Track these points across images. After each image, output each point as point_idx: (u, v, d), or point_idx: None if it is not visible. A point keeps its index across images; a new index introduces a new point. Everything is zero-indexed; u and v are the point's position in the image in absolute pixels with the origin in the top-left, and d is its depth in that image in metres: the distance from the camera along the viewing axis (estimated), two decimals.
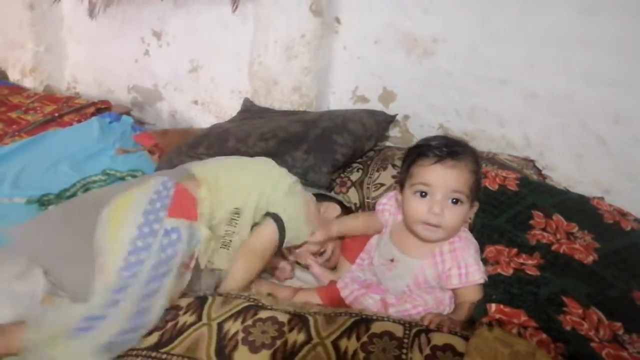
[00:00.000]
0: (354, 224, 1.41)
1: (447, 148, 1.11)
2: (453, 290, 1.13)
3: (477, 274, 1.09)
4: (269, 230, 1.28)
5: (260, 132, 1.76)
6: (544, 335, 0.87)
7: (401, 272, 1.16)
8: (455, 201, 1.10)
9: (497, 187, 1.42)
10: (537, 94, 1.87)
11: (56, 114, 2.64)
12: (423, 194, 1.12)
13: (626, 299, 1.06)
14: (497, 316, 0.92)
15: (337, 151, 1.64)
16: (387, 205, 1.31)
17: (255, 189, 1.30)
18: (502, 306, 0.95)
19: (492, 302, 0.98)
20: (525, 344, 0.85)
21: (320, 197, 1.49)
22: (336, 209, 1.47)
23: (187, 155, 1.86)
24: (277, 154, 1.66)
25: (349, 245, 1.44)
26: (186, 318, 1.01)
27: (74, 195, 1.76)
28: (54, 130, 2.35)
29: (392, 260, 1.19)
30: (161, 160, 2.00)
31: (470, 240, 1.18)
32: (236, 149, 1.75)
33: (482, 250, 1.21)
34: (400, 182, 1.21)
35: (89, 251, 1.09)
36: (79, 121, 2.57)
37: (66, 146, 2.14)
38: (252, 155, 1.71)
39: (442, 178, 1.09)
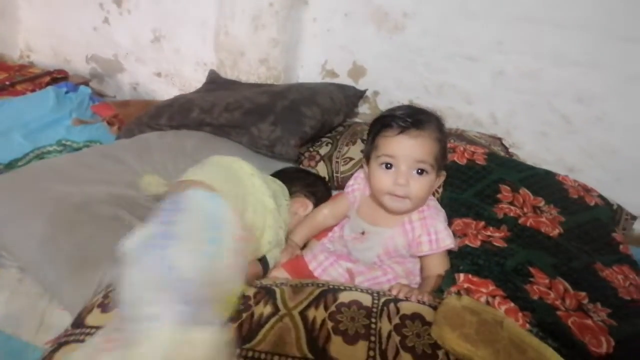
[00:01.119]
0: (313, 226, 1.33)
1: (411, 118, 1.08)
2: (422, 260, 1.12)
3: (447, 239, 1.09)
4: (255, 271, 1.13)
5: (225, 102, 1.70)
6: (512, 304, 0.87)
7: (372, 242, 1.15)
8: (421, 172, 1.08)
9: (465, 161, 1.42)
10: (505, 71, 1.88)
11: (7, 83, 2.49)
12: (388, 166, 1.10)
13: (589, 270, 1.08)
14: (466, 285, 0.91)
15: (305, 124, 1.60)
16: (355, 185, 1.28)
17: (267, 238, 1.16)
18: (470, 276, 0.94)
19: (460, 272, 0.97)
20: (493, 313, 0.84)
21: (288, 177, 1.42)
22: (307, 207, 1.37)
23: (147, 126, 1.79)
24: (243, 125, 1.61)
25: None
26: None
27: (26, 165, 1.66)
28: (5, 99, 2.21)
29: (362, 233, 1.17)
30: (122, 132, 1.92)
31: (439, 209, 1.18)
32: (200, 119, 1.68)
33: (450, 223, 1.20)
34: (366, 154, 1.19)
35: (40, 216, 1.03)
36: (32, 90, 2.43)
37: (19, 115, 2.01)
38: (216, 127, 1.66)
39: (406, 149, 1.07)
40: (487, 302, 0.87)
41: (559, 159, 1.87)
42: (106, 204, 1.14)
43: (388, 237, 1.13)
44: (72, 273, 1.01)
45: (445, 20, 1.92)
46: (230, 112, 1.66)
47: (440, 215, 1.16)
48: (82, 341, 0.84)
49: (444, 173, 1.17)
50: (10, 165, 1.64)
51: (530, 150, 1.91)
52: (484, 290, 0.90)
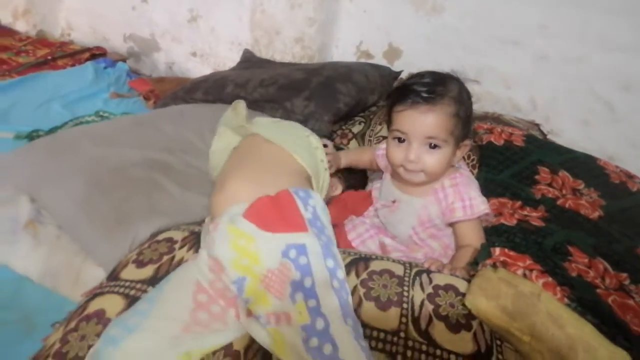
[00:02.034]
0: (359, 158, 1.36)
1: (426, 89, 1.03)
2: (455, 229, 1.10)
3: (482, 205, 1.06)
4: None
5: (260, 78, 1.70)
6: (550, 279, 0.84)
7: (404, 213, 1.13)
8: (434, 146, 1.05)
9: (502, 142, 1.38)
10: (548, 56, 1.82)
11: (49, 57, 2.57)
12: (401, 140, 1.07)
13: (632, 253, 1.04)
14: (502, 259, 0.88)
15: (339, 100, 1.58)
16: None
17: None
18: (506, 250, 0.91)
19: (496, 246, 0.94)
20: (530, 285, 0.82)
21: None
22: (336, 189, 1.35)
23: (183, 100, 1.81)
24: (276, 100, 1.61)
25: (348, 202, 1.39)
26: (183, 253, 0.97)
27: None
28: (46, 72, 2.28)
29: (393, 202, 1.16)
30: (157, 105, 1.94)
31: (472, 179, 1.15)
32: (235, 94, 1.69)
33: None
34: (387, 126, 1.18)
35: (77, 178, 1.05)
36: (72, 65, 2.50)
37: (59, 87, 2.08)
38: (250, 102, 1.66)
39: (416, 124, 1.03)
40: (524, 275, 0.84)
41: (600, 147, 1.80)
42: (140, 167, 1.16)
43: (420, 206, 1.11)
44: (106, 232, 1.03)
45: (485, 1, 1.87)
46: (264, 87, 1.66)
47: (473, 184, 1.13)
48: (117, 292, 0.86)
49: (467, 143, 1.13)
50: (51, 133, 1.68)
51: (570, 137, 1.85)
52: (520, 264, 0.87)
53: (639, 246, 1.08)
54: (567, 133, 1.86)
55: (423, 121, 1.03)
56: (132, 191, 1.11)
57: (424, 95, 1.03)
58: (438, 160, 1.06)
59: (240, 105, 1.18)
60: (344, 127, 1.70)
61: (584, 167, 1.33)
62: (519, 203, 1.18)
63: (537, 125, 1.84)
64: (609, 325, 0.79)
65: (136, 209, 1.07)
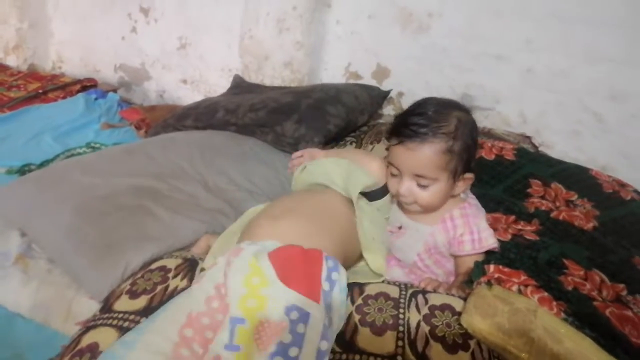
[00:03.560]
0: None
1: (417, 126, 0.99)
2: (458, 258, 1.07)
3: (490, 239, 1.02)
4: None
5: (250, 103, 1.71)
6: (545, 294, 0.83)
7: (411, 239, 1.10)
8: (421, 184, 1.02)
9: (493, 157, 1.39)
10: (534, 70, 1.84)
11: (40, 91, 2.58)
12: (395, 172, 1.06)
13: (628, 263, 1.03)
14: (496, 275, 0.88)
15: (329, 122, 1.59)
16: None
17: None
18: (500, 267, 0.91)
19: (490, 263, 0.94)
20: (526, 301, 0.81)
21: None
22: None
23: (174, 128, 1.81)
24: (267, 124, 1.62)
25: None
26: (177, 282, 0.96)
27: None
28: (37, 106, 2.28)
29: (400, 228, 1.13)
30: (148, 134, 1.95)
31: (480, 208, 1.12)
32: (225, 120, 1.70)
33: None
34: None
35: (66, 207, 1.04)
36: (63, 98, 2.51)
37: (50, 119, 2.08)
38: (240, 127, 1.67)
39: (404, 160, 1.02)
40: (519, 291, 0.84)
41: (591, 158, 1.81)
42: (131, 195, 1.16)
43: (428, 234, 1.08)
44: (97, 261, 1.02)
45: (471, 19, 1.90)
46: (255, 111, 1.66)
47: (482, 213, 1.09)
48: (111, 325, 0.84)
49: (469, 176, 1.07)
50: (42, 166, 1.68)
51: (561, 149, 1.86)
52: (515, 280, 0.86)
53: (635, 256, 1.07)
54: (558, 145, 1.86)
55: (410, 158, 1.01)
56: (122, 218, 1.10)
57: (413, 131, 1.00)
58: (429, 195, 1.03)
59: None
60: (335, 148, 1.70)
61: (576, 177, 1.33)
62: (512, 217, 1.17)
63: (529, 137, 1.85)
64: (608, 338, 0.78)
65: (126, 236, 1.06)
